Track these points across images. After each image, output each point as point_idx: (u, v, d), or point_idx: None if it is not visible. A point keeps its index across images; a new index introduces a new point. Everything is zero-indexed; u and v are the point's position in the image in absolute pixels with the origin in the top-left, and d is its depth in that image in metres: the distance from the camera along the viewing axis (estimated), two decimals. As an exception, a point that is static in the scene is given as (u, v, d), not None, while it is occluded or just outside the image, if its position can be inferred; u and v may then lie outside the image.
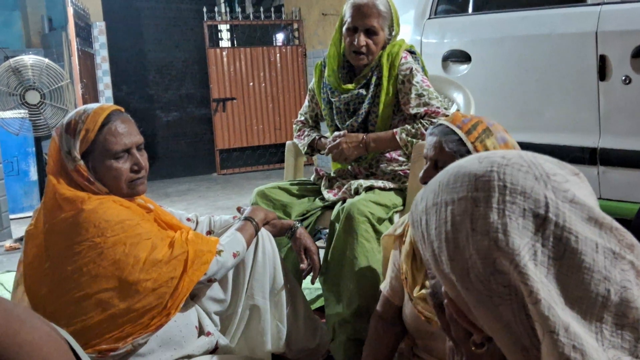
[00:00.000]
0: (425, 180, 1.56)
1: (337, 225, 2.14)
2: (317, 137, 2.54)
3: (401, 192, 2.33)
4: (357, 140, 2.32)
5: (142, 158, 1.72)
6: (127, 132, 1.69)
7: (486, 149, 1.48)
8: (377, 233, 2.11)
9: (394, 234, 1.70)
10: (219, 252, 1.72)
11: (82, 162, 1.64)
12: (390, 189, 2.30)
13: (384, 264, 1.79)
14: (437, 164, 1.56)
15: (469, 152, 1.49)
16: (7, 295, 3.00)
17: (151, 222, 1.71)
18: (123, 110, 1.76)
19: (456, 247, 0.67)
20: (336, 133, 2.39)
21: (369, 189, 2.26)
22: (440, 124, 1.58)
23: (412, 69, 2.31)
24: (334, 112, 2.46)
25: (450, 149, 1.52)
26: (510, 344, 0.66)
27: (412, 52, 2.43)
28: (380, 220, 2.14)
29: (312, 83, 2.61)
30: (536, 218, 0.65)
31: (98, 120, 1.66)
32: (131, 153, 1.69)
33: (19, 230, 4.45)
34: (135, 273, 1.57)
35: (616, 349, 0.63)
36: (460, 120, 1.55)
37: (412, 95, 2.29)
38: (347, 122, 2.40)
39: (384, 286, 1.72)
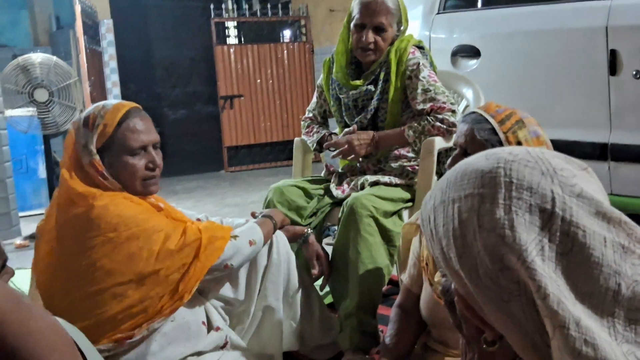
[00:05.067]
0: (452, 167, 1.55)
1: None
2: (326, 134, 2.53)
3: (408, 187, 2.32)
4: (367, 138, 2.31)
5: (158, 156, 1.73)
6: (145, 130, 1.70)
7: (518, 141, 1.48)
8: (381, 227, 2.11)
9: (415, 223, 1.70)
10: (234, 237, 1.72)
11: (97, 157, 1.64)
12: (396, 185, 2.29)
13: (404, 253, 1.79)
14: (466, 151, 1.54)
15: (500, 143, 1.49)
16: (17, 293, 3.00)
17: (162, 216, 1.72)
18: (141, 108, 1.77)
19: (464, 244, 0.67)
20: (347, 130, 2.38)
21: (375, 184, 2.26)
22: (473, 112, 1.57)
23: (419, 64, 2.30)
24: (343, 108, 2.45)
25: (482, 137, 1.51)
26: (521, 341, 0.66)
27: (420, 47, 2.42)
28: (387, 214, 2.14)
29: (320, 79, 2.60)
30: (543, 213, 0.65)
31: (117, 115, 1.67)
32: (147, 151, 1.71)
33: (28, 228, 4.46)
34: (150, 265, 1.58)
35: (630, 343, 0.62)
36: (494, 110, 1.54)
37: (419, 91, 2.28)
38: (356, 119, 2.39)
39: (404, 276, 1.72)
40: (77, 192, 1.62)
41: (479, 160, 0.71)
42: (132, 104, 1.75)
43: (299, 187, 2.38)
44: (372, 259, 2.07)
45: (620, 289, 0.63)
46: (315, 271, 2.03)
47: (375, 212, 2.10)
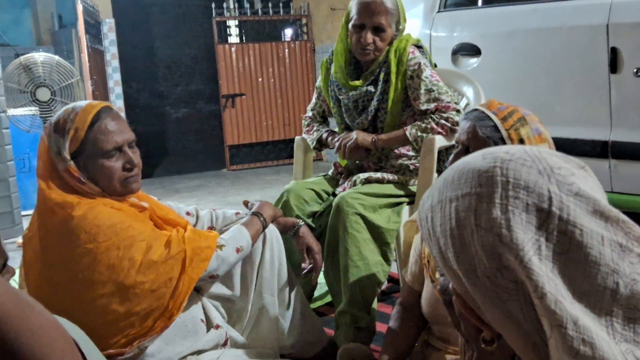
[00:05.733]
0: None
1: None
2: (325, 132, 2.54)
3: (402, 185, 2.33)
4: (368, 136, 2.33)
5: (135, 155, 1.68)
6: (118, 130, 1.64)
7: (520, 138, 1.48)
8: (369, 224, 2.13)
9: (417, 220, 1.70)
10: (220, 247, 1.69)
11: (72, 163, 1.59)
12: (389, 182, 2.30)
13: (405, 251, 1.80)
14: (468, 149, 1.54)
15: (502, 140, 1.49)
16: (20, 291, 3.01)
17: (145, 222, 1.67)
18: (113, 107, 1.71)
19: (462, 243, 0.68)
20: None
21: (367, 182, 2.28)
22: (476, 109, 1.57)
23: (420, 64, 2.30)
24: (343, 109, 2.45)
25: (484, 134, 1.51)
26: (519, 340, 0.66)
27: (419, 46, 2.42)
28: (376, 211, 2.15)
29: (318, 80, 2.60)
30: (540, 212, 0.65)
31: (87, 118, 1.61)
32: (123, 151, 1.65)
33: (30, 226, 4.47)
34: (132, 276, 1.54)
35: (629, 342, 0.62)
36: (497, 107, 1.55)
37: (422, 91, 2.28)
38: (357, 120, 2.39)
39: (406, 273, 1.72)
40: (55, 202, 1.57)
41: (476, 159, 0.71)
42: (103, 104, 1.68)
43: (312, 189, 2.37)
44: (361, 255, 2.09)
45: (619, 288, 0.63)
46: (305, 264, 2.01)
47: (363, 210, 2.12)
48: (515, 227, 0.64)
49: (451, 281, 0.73)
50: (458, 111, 2.29)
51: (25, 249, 1.65)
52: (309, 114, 2.67)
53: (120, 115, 1.70)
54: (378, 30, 2.29)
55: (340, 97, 2.42)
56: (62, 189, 1.60)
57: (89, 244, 1.53)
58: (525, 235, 0.64)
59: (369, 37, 2.28)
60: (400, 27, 2.36)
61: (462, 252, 0.67)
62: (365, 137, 2.33)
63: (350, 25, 2.34)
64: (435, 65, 2.53)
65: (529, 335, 0.65)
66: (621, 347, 0.61)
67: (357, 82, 2.37)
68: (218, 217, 1.99)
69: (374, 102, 2.34)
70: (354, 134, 2.34)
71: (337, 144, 2.40)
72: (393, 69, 2.31)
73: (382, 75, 2.33)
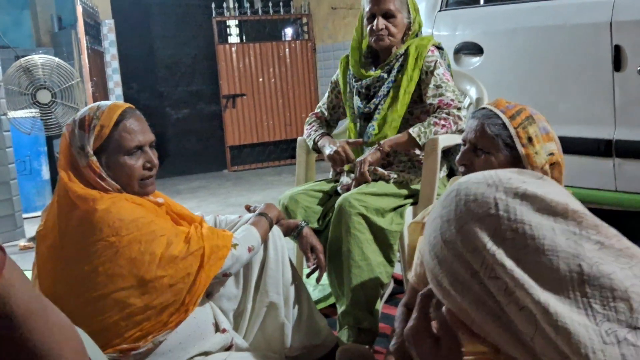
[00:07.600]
0: (461, 162, 1.58)
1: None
2: (318, 137, 2.53)
3: (405, 184, 2.32)
4: (374, 153, 2.29)
5: (154, 155, 1.74)
6: (141, 130, 1.70)
7: (529, 136, 1.49)
8: (372, 225, 2.13)
9: (421, 222, 1.70)
10: (234, 246, 1.73)
11: (94, 158, 1.64)
12: (394, 181, 2.30)
13: (410, 252, 1.80)
14: (476, 147, 1.55)
15: (510, 138, 1.50)
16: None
17: (164, 217, 1.72)
18: (135, 108, 1.77)
19: (440, 259, 0.75)
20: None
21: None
22: (483, 108, 1.58)
23: (436, 61, 2.38)
24: (355, 96, 2.50)
25: (492, 132, 1.52)
26: (509, 341, 0.69)
27: (440, 48, 2.50)
28: (379, 212, 2.16)
29: (335, 75, 2.66)
30: (490, 218, 0.71)
31: (113, 116, 1.66)
32: (144, 150, 1.71)
33: (32, 229, 4.46)
34: (152, 270, 1.57)
35: (611, 321, 0.64)
36: (504, 106, 1.56)
37: (431, 86, 2.34)
38: (366, 105, 2.44)
39: (410, 274, 1.72)
40: (77, 195, 1.61)
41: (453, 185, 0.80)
42: (127, 105, 1.74)
43: (308, 193, 2.38)
44: (363, 255, 2.10)
45: (583, 269, 0.67)
46: (309, 263, 2.03)
47: (365, 211, 2.13)
48: (472, 236, 0.71)
49: (444, 301, 0.78)
50: (459, 109, 2.32)
51: (39, 245, 1.67)
52: (317, 110, 2.72)
53: (142, 116, 1.76)
54: (388, 16, 2.39)
55: (355, 84, 2.49)
56: (82, 183, 1.64)
57: (111, 237, 1.56)
58: (483, 241, 0.70)
59: (381, 22, 2.37)
60: (412, 15, 2.44)
61: (442, 265, 0.75)
62: (372, 155, 2.29)
63: (365, 19, 2.45)
64: (449, 67, 2.56)
65: (516, 334, 0.68)
66: (603, 327, 0.64)
67: (373, 73, 2.45)
68: (221, 221, 2.02)
69: (384, 88, 2.39)
70: (361, 163, 2.29)
71: (353, 184, 2.34)
72: (411, 61, 2.38)
73: (396, 65, 2.41)
